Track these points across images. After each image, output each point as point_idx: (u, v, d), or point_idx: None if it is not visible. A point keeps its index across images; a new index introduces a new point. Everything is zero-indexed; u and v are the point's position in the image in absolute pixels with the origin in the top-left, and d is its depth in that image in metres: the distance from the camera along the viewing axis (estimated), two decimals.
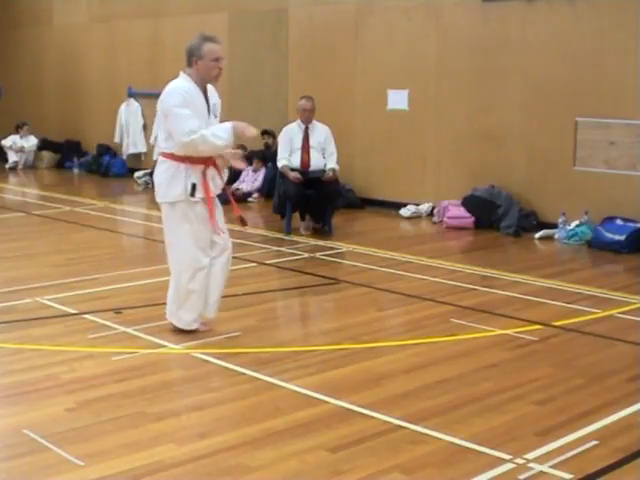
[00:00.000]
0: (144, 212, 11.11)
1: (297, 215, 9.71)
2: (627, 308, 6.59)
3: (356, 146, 11.59)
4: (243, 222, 5.97)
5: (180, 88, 5.57)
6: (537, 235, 9.41)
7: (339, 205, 10.25)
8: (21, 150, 16.02)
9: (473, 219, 9.96)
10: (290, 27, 12.32)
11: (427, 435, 4.23)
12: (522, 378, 5.05)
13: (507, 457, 3.97)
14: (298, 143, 9.63)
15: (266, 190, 11.75)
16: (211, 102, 5.68)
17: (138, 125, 14.91)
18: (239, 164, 5.76)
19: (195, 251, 5.66)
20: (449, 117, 10.68)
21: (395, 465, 3.89)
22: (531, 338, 5.82)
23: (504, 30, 10.07)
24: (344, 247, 8.87)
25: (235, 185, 12.26)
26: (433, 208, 10.64)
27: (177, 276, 5.76)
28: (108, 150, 15.44)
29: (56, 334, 5.82)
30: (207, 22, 12.96)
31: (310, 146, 9.64)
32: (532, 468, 3.86)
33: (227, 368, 5.19)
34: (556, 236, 9.29)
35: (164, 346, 5.60)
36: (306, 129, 9.67)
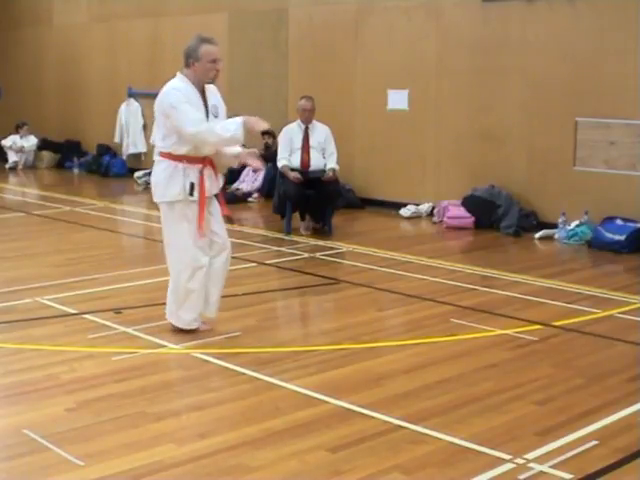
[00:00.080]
0: (144, 212, 11.11)
1: (297, 215, 9.71)
2: (627, 308, 6.59)
3: (356, 146, 11.59)
4: (230, 221, 5.91)
5: (178, 88, 5.58)
6: (537, 235, 9.41)
7: (339, 205, 10.25)
8: (21, 150, 16.02)
9: (473, 219, 9.96)
10: (290, 27, 12.32)
11: (427, 435, 4.23)
12: (522, 378, 5.05)
13: (507, 457, 3.97)
14: (298, 143, 9.63)
15: (266, 190, 11.75)
16: (210, 103, 5.67)
17: (138, 125, 14.91)
18: (256, 163, 5.72)
19: (194, 250, 5.66)
20: (449, 117, 10.68)
21: (395, 465, 3.90)
22: (531, 338, 5.82)
23: (504, 30, 10.07)
24: (344, 247, 8.87)
25: (235, 185, 12.27)
26: (433, 208, 10.64)
27: (176, 276, 5.76)
28: (108, 150, 15.44)
29: (56, 334, 5.82)
30: (207, 22, 12.97)
31: (310, 146, 9.64)
32: (532, 468, 3.86)
33: (227, 368, 5.19)
34: (556, 236, 9.29)
35: (164, 346, 5.60)
36: (306, 129, 9.67)
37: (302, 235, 9.43)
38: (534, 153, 9.90)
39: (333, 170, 9.54)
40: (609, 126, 9.22)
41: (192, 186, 5.59)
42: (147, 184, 13.07)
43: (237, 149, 5.76)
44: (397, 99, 11.16)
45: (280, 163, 9.60)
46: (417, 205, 10.83)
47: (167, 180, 5.63)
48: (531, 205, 9.89)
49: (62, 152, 16.25)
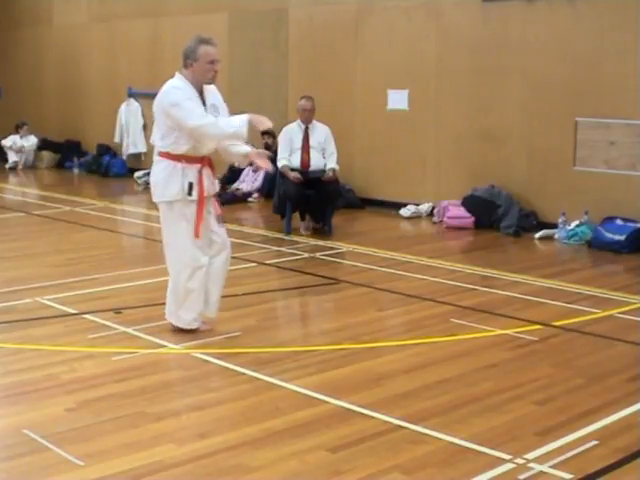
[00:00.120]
0: (144, 212, 11.11)
1: (297, 215, 9.71)
2: (627, 308, 6.59)
3: (356, 146, 11.59)
4: (222, 221, 5.85)
5: (177, 86, 5.60)
6: (537, 235, 9.41)
7: (339, 205, 10.25)
8: (21, 150, 16.02)
9: (473, 219, 9.96)
10: (290, 27, 12.32)
11: (427, 435, 4.23)
12: (522, 378, 5.05)
13: (507, 457, 3.97)
14: (298, 143, 9.63)
15: (266, 190, 11.74)
16: (208, 103, 5.67)
17: (138, 125, 14.91)
18: (265, 164, 5.70)
19: (193, 250, 5.66)
20: (449, 117, 10.68)
21: (395, 465, 3.90)
22: (531, 338, 5.82)
23: (504, 30, 10.07)
24: (344, 247, 8.87)
25: (235, 185, 12.27)
26: (433, 208, 10.64)
27: (176, 275, 5.76)
28: (108, 150, 15.44)
29: (56, 334, 5.82)
30: (207, 22, 12.97)
31: (310, 146, 9.64)
32: (532, 468, 3.86)
33: (227, 368, 5.19)
34: (556, 236, 9.29)
35: (164, 346, 5.60)
36: (306, 129, 9.67)
37: (302, 235, 9.43)
38: (534, 153, 9.90)
39: (333, 170, 9.54)
40: (609, 126, 9.22)
41: (191, 186, 5.60)
42: (147, 184, 13.06)
43: (246, 148, 5.75)
44: (397, 99, 11.16)
45: (280, 163, 9.60)
46: (417, 205, 10.83)
47: (166, 180, 5.64)
48: (531, 205, 9.89)
49: (62, 152, 16.25)
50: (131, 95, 14.95)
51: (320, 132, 9.71)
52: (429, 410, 4.55)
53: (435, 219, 10.38)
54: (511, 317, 6.33)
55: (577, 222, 9.20)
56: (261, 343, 5.68)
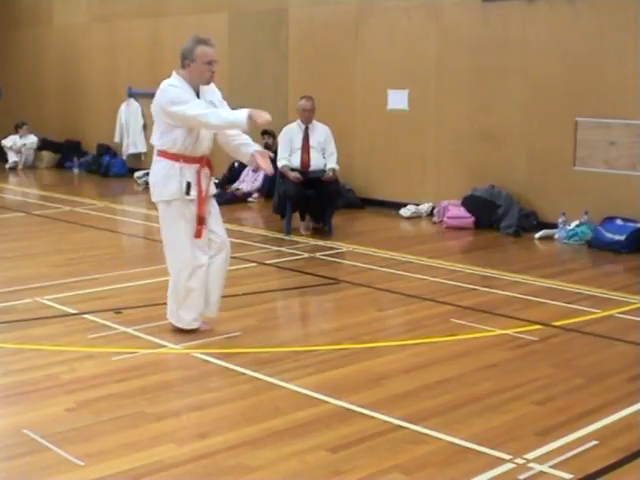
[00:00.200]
0: (144, 212, 11.11)
1: (297, 215, 9.71)
2: (627, 308, 6.58)
3: (356, 146, 11.59)
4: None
5: (174, 84, 5.61)
6: (537, 235, 9.41)
7: (339, 205, 10.25)
8: (20, 150, 16.01)
9: (473, 219, 9.96)
10: (290, 27, 12.32)
11: (427, 435, 4.23)
12: (522, 378, 5.05)
13: (507, 457, 3.97)
14: (298, 143, 9.63)
15: (266, 190, 11.74)
16: (205, 100, 5.66)
17: (138, 125, 14.91)
18: (265, 164, 5.69)
19: (193, 249, 5.66)
20: (449, 117, 10.68)
21: (395, 465, 3.89)
22: (531, 338, 5.82)
23: (504, 30, 10.07)
24: (344, 247, 8.87)
25: (235, 185, 12.27)
26: (433, 208, 10.64)
27: (176, 275, 5.76)
28: (108, 150, 15.44)
29: (56, 334, 5.82)
30: (207, 22, 12.97)
31: (310, 146, 9.64)
32: (532, 468, 3.86)
33: (227, 368, 5.19)
34: (556, 236, 9.29)
35: (164, 346, 5.60)
36: (306, 129, 9.67)
37: (302, 235, 9.43)
38: (534, 153, 9.90)
39: (333, 170, 9.54)
40: (609, 126, 9.22)
41: (189, 185, 5.60)
42: (147, 184, 12.99)
43: (254, 148, 5.73)
44: (397, 99, 11.16)
45: (280, 163, 9.60)
46: (417, 205, 10.83)
47: (164, 179, 5.65)
48: (531, 205, 9.89)
49: (62, 152, 16.25)
50: (131, 95, 14.95)
51: (320, 132, 9.71)
52: (429, 410, 4.55)
53: (435, 219, 10.38)
54: (511, 317, 6.33)
55: (577, 222, 9.20)
56: (261, 343, 5.68)
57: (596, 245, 8.83)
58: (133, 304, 6.58)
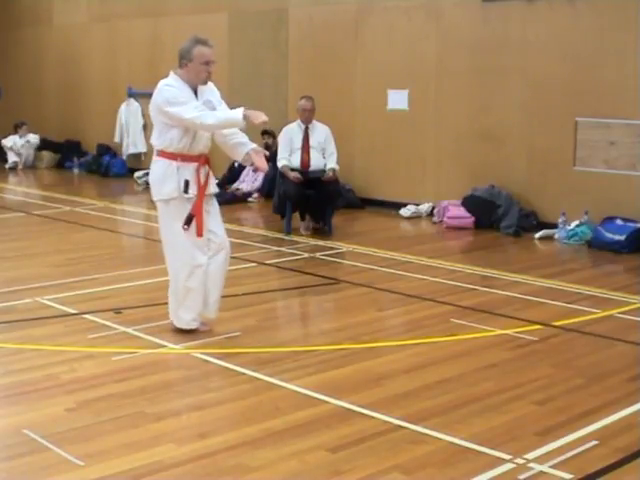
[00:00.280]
0: (144, 212, 11.11)
1: (297, 215, 9.71)
2: (627, 308, 6.58)
3: (356, 146, 11.59)
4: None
5: (171, 84, 5.62)
6: (537, 235, 9.41)
7: (339, 205, 10.25)
8: (20, 151, 15.99)
9: (473, 219, 9.96)
10: (290, 27, 12.32)
11: (427, 435, 4.23)
12: (522, 378, 5.05)
13: (507, 457, 3.97)
14: (298, 143, 9.63)
15: (266, 190, 11.74)
16: (202, 99, 5.66)
17: (138, 125, 14.91)
18: (260, 162, 5.69)
19: (192, 249, 5.66)
20: (449, 117, 10.68)
21: (395, 465, 3.89)
22: (531, 338, 5.82)
23: (504, 30, 10.07)
24: (344, 247, 8.87)
25: (235, 185, 12.27)
26: (433, 208, 10.64)
27: (175, 274, 5.76)
28: (108, 150, 15.43)
29: (56, 334, 5.82)
30: (207, 22, 12.97)
31: (310, 146, 9.64)
32: (532, 468, 3.86)
33: (227, 368, 5.19)
34: (556, 236, 9.29)
35: (164, 346, 5.60)
36: (306, 129, 9.67)
37: (302, 235, 9.43)
38: (534, 153, 9.90)
39: (333, 170, 9.54)
40: (609, 126, 9.22)
41: (187, 184, 5.60)
42: (147, 184, 13.06)
43: (249, 147, 5.73)
44: (397, 99, 11.16)
45: (280, 163, 9.60)
46: (417, 205, 10.83)
47: (162, 178, 5.66)
48: (531, 205, 9.89)
49: (62, 152, 16.25)
50: (131, 95, 14.95)
51: (320, 132, 9.71)
52: (429, 410, 4.55)
53: (435, 219, 10.38)
54: (511, 317, 6.33)
55: (577, 222, 9.20)
56: (261, 343, 5.68)
57: (596, 245, 8.83)
58: (133, 304, 6.58)
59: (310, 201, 9.51)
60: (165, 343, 5.64)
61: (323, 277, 7.59)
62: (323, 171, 9.53)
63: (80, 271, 7.64)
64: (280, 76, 12.48)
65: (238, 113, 5.48)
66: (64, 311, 6.38)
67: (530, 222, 9.71)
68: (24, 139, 16.08)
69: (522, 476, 3.79)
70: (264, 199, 11.79)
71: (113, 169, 14.99)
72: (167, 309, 5.91)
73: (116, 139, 15.19)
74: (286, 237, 9.37)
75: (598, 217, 9.11)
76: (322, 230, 9.61)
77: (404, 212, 10.76)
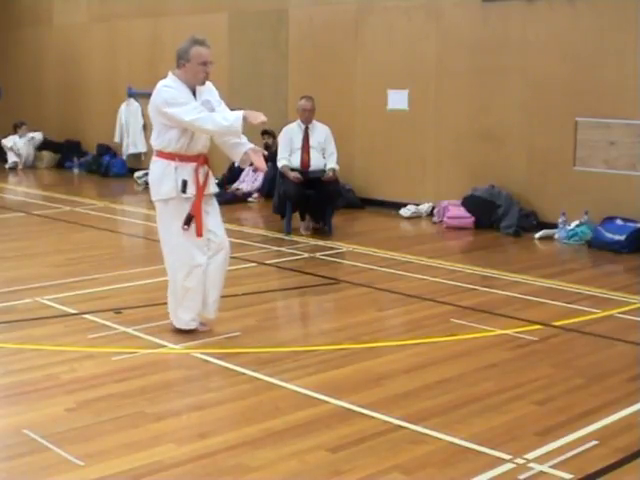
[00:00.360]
0: (144, 212, 11.10)
1: (297, 215, 9.71)
2: (627, 308, 6.59)
3: (356, 146, 11.59)
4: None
5: (169, 85, 5.63)
6: (537, 235, 9.41)
7: (339, 205, 10.25)
8: (21, 151, 15.98)
9: (473, 219, 9.96)
10: (290, 27, 12.32)
11: (427, 435, 4.23)
12: (522, 378, 5.05)
13: (507, 457, 3.97)
14: (298, 143, 9.63)
15: (266, 190, 11.74)
16: (201, 100, 5.67)
17: (138, 125, 14.91)
18: (259, 162, 5.70)
19: (190, 248, 5.65)
20: (449, 117, 10.68)
21: (395, 465, 3.89)
22: (531, 338, 5.82)
23: (504, 30, 10.07)
24: (344, 247, 8.87)
25: (235, 185, 12.27)
26: (433, 208, 10.64)
27: (173, 274, 5.76)
28: (108, 150, 15.43)
29: (56, 334, 5.82)
30: (207, 22, 12.98)
31: (310, 146, 9.64)
32: (532, 468, 3.86)
33: (227, 368, 5.19)
34: (556, 236, 9.29)
35: (164, 346, 5.60)
36: (306, 129, 9.67)
37: (302, 235, 9.43)
38: (534, 153, 9.90)
39: (333, 170, 9.54)
40: (609, 126, 9.22)
41: (185, 184, 5.60)
42: (147, 184, 13.00)
43: (246, 147, 5.73)
44: (397, 99, 11.16)
45: (280, 163, 9.60)
46: (417, 205, 10.83)
47: (160, 178, 5.67)
48: (531, 205, 9.89)
49: (62, 152, 16.25)
50: (131, 95, 14.95)
51: (320, 132, 9.71)
52: (429, 410, 4.55)
53: (435, 219, 10.38)
54: (511, 317, 6.33)
55: (577, 222, 9.20)
56: (261, 343, 5.68)
57: (596, 245, 8.83)
58: (133, 304, 6.58)
59: (310, 201, 9.51)
60: (165, 343, 5.64)
61: (323, 277, 7.59)
62: (323, 171, 9.53)
63: (80, 271, 7.64)
64: (280, 76, 12.48)
65: (238, 119, 5.47)
66: (64, 311, 6.38)
67: (530, 222, 9.71)
68: (27, 136, 16.07)
69: (522, 476, 3.79)
70: (264, 199, 11.79)
71: (113, 169, 14.99)
72: (167, 309, 5.92)
73: (116, 139, 15.19)
74: (286, 237, 9.37)
75: (598, 217, 9.11)
76: (322, 230, 9.61)
77: (404, 212, 10.76)
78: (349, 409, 4.55)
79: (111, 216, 11.00)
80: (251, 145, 5.78)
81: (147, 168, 13.27)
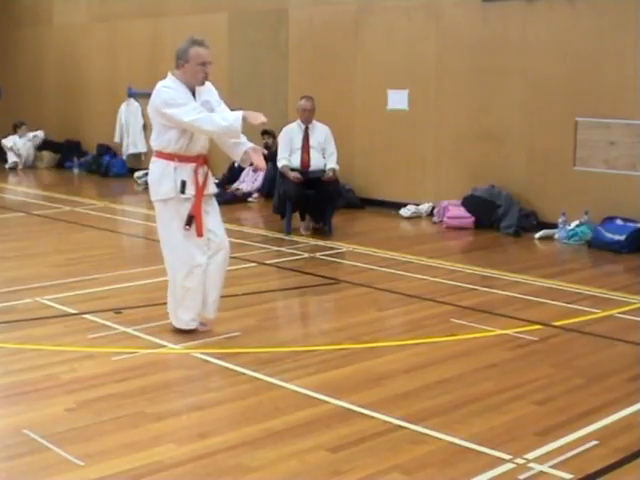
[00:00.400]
0: (144, 212, 11.10)
1: (297, 215, 9.71)
2: (627, 308, 6.58)
3: (356, 146, 11.59)
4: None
5: (169, 85, 5.63)
6: (537, 235, 9.41)
7: (339, 205, 10.25)
8: (21, 151, 15.98)
9: (473, 219, 9.96)
10: (290, 27, 12.32)
11: (427, 435, 4.23)
12: (522, 378, 5.05)
13: (507, 457, 3.97)
14: (298, 143, 9.63)
15: (266, 190, 11.74)
16: (200, 100, 5.67)
17: (138, 125, 14.91)
18: (258, 161, 5.69)
19: (190, 248, 5.65)
20: (449, 117, 10.68)
21: (395, 465, 3.89)
22: (531, 338, 5.82)
23: (504, 30, 10.07)
24: (344, 247, 8.87)
25: (235, 185, 12.27)
26: (433, 208, 10.64)
27: (173, 274, 5.76)
28: (108, 150, 15.43)
29: (56, 334, 5.82)
30: (207, 22, 12.98)
31: (310, 146, 9.64)
32: (532, 468, 3.86)
33: (227, 368, 5.19)
34: (556, 236, 9.29)
35: (164, 346, 5.60)
36: (306, 129, 9.67)
37: (302, 235, 9.43)
38: (534, 153, 9.90)
39: (333, 170, 9.54)
40: (609, 126, 9.22)
41: (183, 184, 5.60)
42: (147, 184, 12.98)
43: (246, 146, 5.73)
44: (397, 99, 11.16)
45: (280, 163, 9.60)
46: (417, 205, 10.83)
47: (159, 178, 5.68)
48: (531, 205, 9.89)
49: (62, 152, 16.25)
50: (131, 95, 14.95)
51: (320, 132, 9.71)
52: (429, 410, 4.55)
53: (435, 219, 10.38)
54: (511, 317, 6.33)
55: (577, 222, 9.20)
56: (261, 343, 5.68)
57: (596, 245, 8.83)
58: (133, 304, 6.58)
59: (310, 201, 9.51)
60: (165, 343, 5.64)
61: (323, 277, 7.59)
62: (323, 171, 9.53)
63: (80, 271, 7.64)
64: (280, 76, 12.48)
65: (237, 120, 5.47)
66: (64, 311, 6.38)
67: (530, 222, 9.71)
68: (29, 136, 16.06)
69: (522, 476, 3.79)
70: (264, 199, 11.78)
71: (113, 169, 14.99)
72: (167, 309, 5.92)
73: (116, 139, 15.19)
74: (286, 237, 9.37)
75: (598, 217, 9.11)
76: (322, 230, 9.61)
77: (404, 212, 10.76)
78: (349, 409, 4.55)
79: (111, 216, 11.00)
80: (251, 144, 5.78)
81: (147, 168, 13.27)
